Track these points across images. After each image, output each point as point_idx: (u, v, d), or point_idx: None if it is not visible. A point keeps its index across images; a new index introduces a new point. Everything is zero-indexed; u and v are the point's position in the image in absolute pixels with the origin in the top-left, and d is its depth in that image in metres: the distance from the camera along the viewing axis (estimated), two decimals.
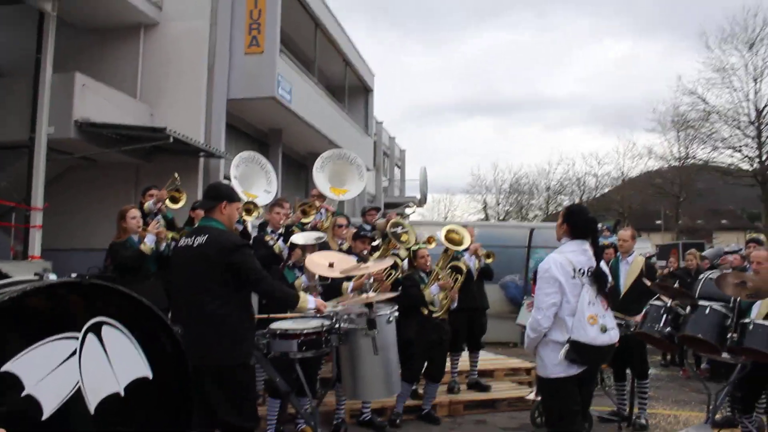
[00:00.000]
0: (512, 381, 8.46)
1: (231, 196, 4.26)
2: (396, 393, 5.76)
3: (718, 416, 5.70)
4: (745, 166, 30.39)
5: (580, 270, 4.17)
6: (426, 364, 6.72)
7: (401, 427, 6.56)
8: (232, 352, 3.91)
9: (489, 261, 7.89)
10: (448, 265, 7.16)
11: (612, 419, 6.80)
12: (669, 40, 73.98)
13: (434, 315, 6.65)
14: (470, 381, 7.93)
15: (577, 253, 4.24)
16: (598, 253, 4.34)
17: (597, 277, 4.23)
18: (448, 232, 7.27)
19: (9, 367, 2.17)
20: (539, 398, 6.34)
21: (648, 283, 6.47)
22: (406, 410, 6.77)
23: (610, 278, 4.60)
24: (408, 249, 7.13)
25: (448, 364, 7.74)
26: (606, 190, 41.53)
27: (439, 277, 6.80)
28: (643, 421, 6.69)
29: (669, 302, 5.84)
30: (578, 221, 4.35)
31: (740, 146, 30.28)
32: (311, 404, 4.63)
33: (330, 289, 5.94)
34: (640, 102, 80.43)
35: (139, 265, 6.15)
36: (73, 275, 2.43)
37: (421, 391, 7.01)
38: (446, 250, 7.16)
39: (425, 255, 6.85)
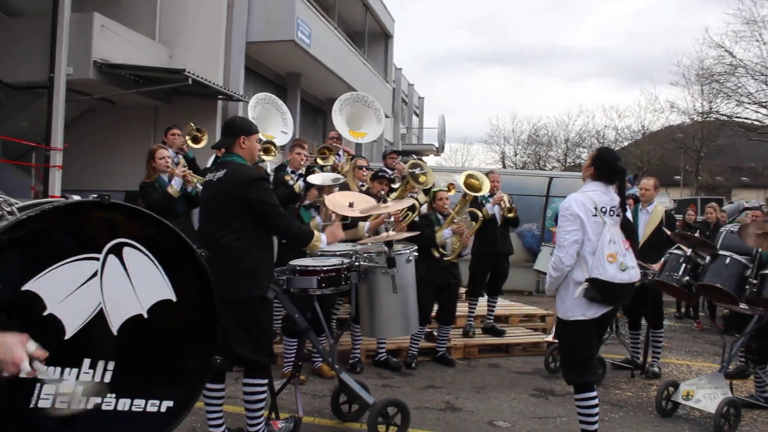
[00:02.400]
0: (527, 327, 8.53)
1: (248, 128, 4.20)
2: (413, 332, 5.82)
3: (731, 367, 5.70)
4: None
5: (601, 208, 4.13)
6: (436, 306, 6.74)
7: (416, 368, 6.64)
8: (249, 286, 3.91)
9: (510, 215, 7.80)
10: (466, 211, 7.13)
11: (626, 366, 6.86)
12: None
13: (445, 258, 6.64)
14: (486, 325, 7.98)
15: (599, 193, 4.19)
16: (624, 201, 4.29)
17: (624, 227, 4.20)
18: (467, 177, 7.21)
19: (30, 286, 2.18)
20: (555, 343, 6.41)
21: (668, 232, 6.42)
22: (421, 352, 6.86)
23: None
24: (428, 190, 7.10)
25: (465, 308, 7.80)
26: (625, 144, 40.89)
27: (454, 221, 6.77)
28: (656, 369, 6.75)
29: (689, 252, 5.80)
30: (607, 166, 4.27)
31: (767, 102, 29.61)
32: (329, 341, 4.67)
33: (348, 228, 5.93)
34: (658, 56, 78.39)
35: (168, 207, 6.21)
36: (93, 196, 2.41)
37: (435, 333, 7.07)
38: (464, 195, 7.11)
39: (444, 197, 6.80)
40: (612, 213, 4.18)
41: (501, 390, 6.11)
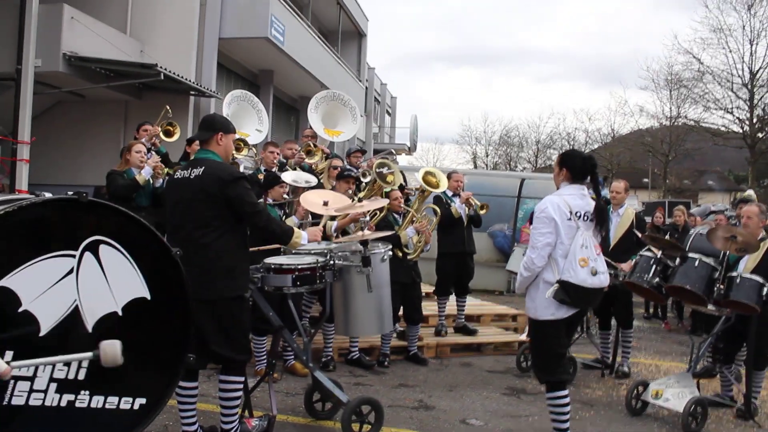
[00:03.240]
0: (498, 326, 8.59)
1: (227, 126, 4.19)
2: (388, 330, 5.81)
3: (698, 366, 5.82)
4: (736, 128, 30.45)
5: (576, 213, 4.18)
6: (402, 306, 6.75)
7: (389, 366, 6.65)
8: (227, 285, 3.89)
9: (483, 212, 7.88)
10: (424, 208, 7.15)
11: (596, 366, 6.95)
12: None
13: (408, 257, 6.66)
14: (457, 325, 8.03)
15: (575, 197, 4.25)
16: (598, 189, 4.36)
17: (599, 213, 4.25)
18: (426, 174, 7.25)
19: (6, 282, 2.16)
20: (527, 342, 6.47)
21: (639, 234, 6.52)
22: (394, 351, 6.88)
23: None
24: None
25: (435, 307, 7.83)
26: (595, 147, 41.50)
27: (414, 219, 6.79)
28: (626, 369, 6.84)
29: (659, 254, 5.89)
30: (577, 162, 4.35)
31: (732, 108, 30.26)
32: (304, 340, 4.65)
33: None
34: (628, 59, 79.57)
35: (132, 196, 6.21)
36: (69, 193, 2.38)
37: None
38: (422, 191, 7.14)
39: (398, 196, 6.78)
40: (586, 218, 4.23)
41: (473, 389, 6.15)
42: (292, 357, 6.20)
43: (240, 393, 4.15)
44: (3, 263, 2.16)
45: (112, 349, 2.01)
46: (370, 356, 6.81)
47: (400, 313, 6.81)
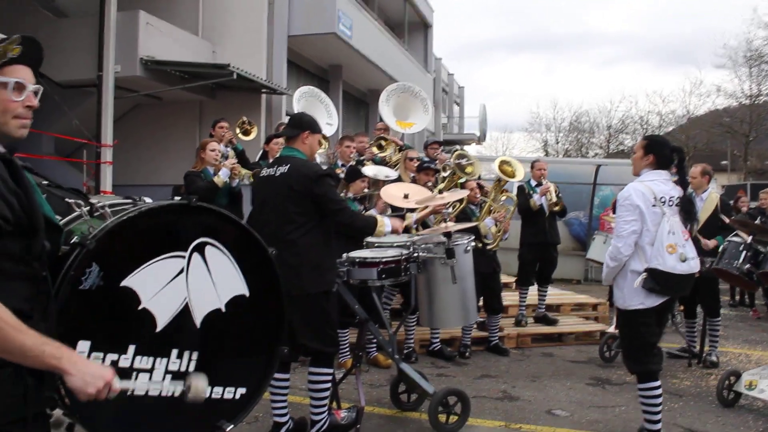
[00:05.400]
0: (579, 316, 8.47)
1: (313, 126, 4.28)
2: (472, 321, 5.84)
3: None
4: None
5: (661, 198, 4.09)
6: (482, 297, 6.74)
7: (470, 357, 6.66)
8: (315, 280, 3.99)
9: (556, 209, 7.77)
10: (501, 197, 7.11)
11: (682, 356, 6.78)
12: None
13: (488, 247, 6.64)
14: (537, 315, 7.97)
15: (658, 182, 4.15)
16: (684, 181, 4.25)
17: (684, 204, 4.15)
18: (502, 163, 7.19)
19: (127, 282, 2.31)
20: (611, 332, 6.37)
21: (726, 219, 6.32)
22: (474, 342, 6.88)
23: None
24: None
25: (516, 297, 7.80)
26: (670, 129, 40.19)
27: (491, 209, 6.76)
28: (714, 359, 6.64)
29: (749, 239, 5.70)
30: (663, 149, 4.24)
31: None
32: (388, 332, 4.71)
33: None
34: (698, 37, 76.34)
35: (211, 197, 6.24)
36: (177, 198, 2.54)
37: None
38: (498, 180, 7.09)
39: (474, 187, 6.78)
40: (671, 203, 4.13)
41: (557, 379, 6.10)
42: (375, 349, 6.27)
43: (329, 384, 4.24)
44: (125, 265, 2.30)
45: (201, 384, 2.11)
46: (451, 347, 6.84)
47: (480, 303, 6.81)
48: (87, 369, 1.78)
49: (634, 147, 4.51)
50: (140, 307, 2.32)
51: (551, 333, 7.62)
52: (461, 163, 7.04)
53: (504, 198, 7.16)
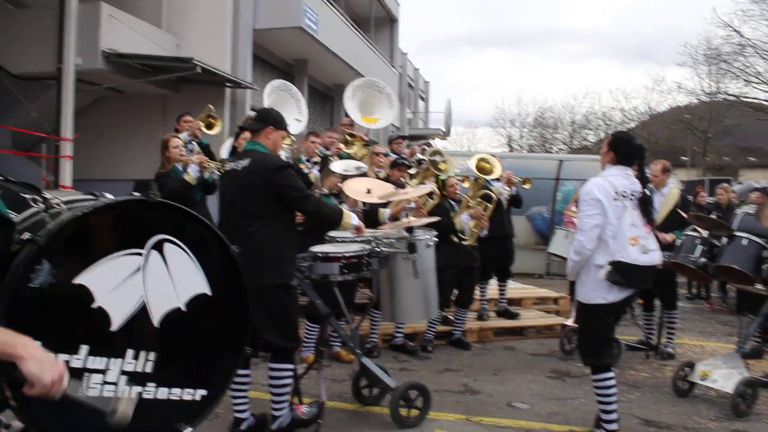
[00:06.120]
0: (540, 310, 8.59)
1: (278, 122, 4.26)
2: (434, 316, 5.89)
3: (746, 347, 5.75)
4: None
5: (622, 192, 4.17)
6: (456, 290, 6.81)
7: (432, 351, 6.71)
8: (274, 273, 3.98)
9: (526, 187, 7.88)
10: (479, 194, 7.18)
11: (640, 348, 6.92)
12: None
13: (464, 243, 6.71)
14: (499, 309, 8.05)
15: (619, 177, 4.24)
16: (644, 177, 4.35)
17: (642, 201, 4.24)
18: (479, 161, 7.27)
19: (80, 279, 2.26)
20: (572, 325, 6.47)
21: (684, 214, 6.45)
22: (437, 336, 6.93)
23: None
24: (436, 178, 7.15)
25: (477, 291, 7.86)
26: (632, 125, 40.82)
27: (469, 205, 6.83)
28: (670, 350, 6.80)
29: (705, 233, 5.83)
30: (626, 148, 4.33)
31: None
32: (350, 327, 4.73)
33: (366, 215, 5.99)
34: (661, 36, 77.62)
35: (186, 195, 6.12)
36: (135, 194, 2.49)
37: (451, 317, 7.13)
38: (476, 178, 7.16)
39: (454, 183, 6.87)
40: (633, 197, 4.22)
41: (518, 372, 6.18)
42: (338, 344, 6.28)
43: (290, 380, 4.24)
44: (78, 261, 2.25)
45: (128, 411, 2.03)
46: (414, 342, 6.88)
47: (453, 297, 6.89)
48: (43, 356, 1.72)
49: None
50: (94, 305, 2.28)
51: (513, 327, 7.71)
52: (435, 160, 7.10)
53: (482, 194, 7.23)
